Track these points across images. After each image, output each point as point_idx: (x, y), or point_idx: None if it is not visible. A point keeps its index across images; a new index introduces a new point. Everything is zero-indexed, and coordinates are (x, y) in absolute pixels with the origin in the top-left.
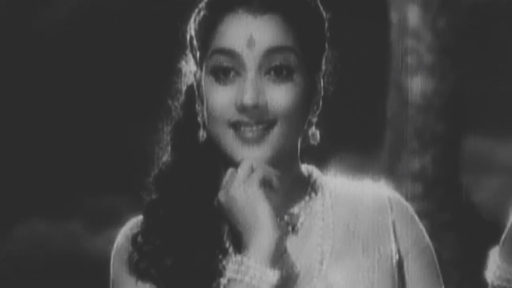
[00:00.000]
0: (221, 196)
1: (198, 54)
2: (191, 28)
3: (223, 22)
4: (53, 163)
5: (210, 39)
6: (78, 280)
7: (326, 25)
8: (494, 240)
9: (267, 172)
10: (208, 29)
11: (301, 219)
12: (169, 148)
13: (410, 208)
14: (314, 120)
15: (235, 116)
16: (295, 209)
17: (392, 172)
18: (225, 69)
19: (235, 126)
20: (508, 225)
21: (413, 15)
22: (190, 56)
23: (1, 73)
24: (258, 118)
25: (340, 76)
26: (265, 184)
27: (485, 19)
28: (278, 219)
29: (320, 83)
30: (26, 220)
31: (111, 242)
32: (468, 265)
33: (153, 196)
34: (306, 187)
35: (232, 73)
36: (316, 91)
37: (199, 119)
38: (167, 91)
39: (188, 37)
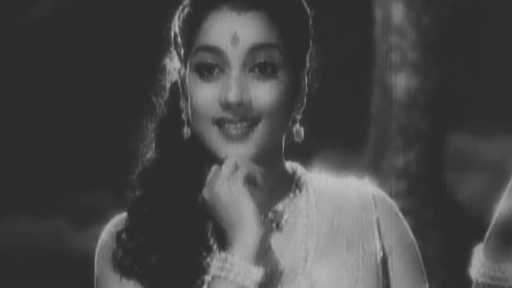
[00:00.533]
0: (205, 193)
1: (182, 51)
2: (175, 25)
3: (207, 19)
4: (37, 160)
5: (194, 36)
6: (62, 277)
7: (310, 22)
8: (478, 238)
9: (251, 169)
10: (192, 26)
11: (285, 216)
12: (153, 145)
13: (394, 205)
14: (298, 117)
15: (219, 113)
16: (279, 206)
17: (376, 169)
18: (209, 66)
19: (219, 123)
20: (493, 222)
21: (397, 12)
22: (174, 53)
23: None
24: (242, 115)
25: (324, 73)
26: (249, 181)
27: (469, 16)
28: (262, 216)
29: (304, 80)
30: (10, 217)
31: (95, 239)
32: (452, 262)
33: (137, 193)
34: (290, 184)
35: (216, 70)
36: (301, 88)
37: (183, 116)
38: (152, 88)
39: (172, 34)
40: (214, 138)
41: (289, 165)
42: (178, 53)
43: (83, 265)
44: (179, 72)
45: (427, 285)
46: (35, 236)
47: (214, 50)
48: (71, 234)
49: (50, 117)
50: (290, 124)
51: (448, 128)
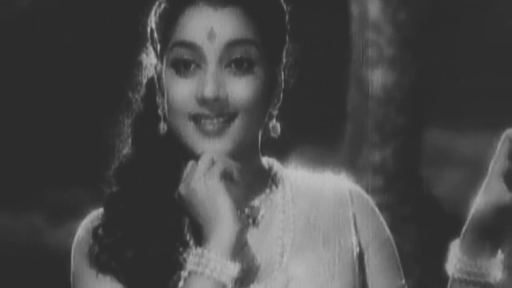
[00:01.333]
0: (182, 188)
1: (158, 47)
2: (152, 21)
3: (184, 15)
4: (13, 155)
5: (170, 32)
6: (38, 272)
7: (287, 17)
8: (455, 233)
9: (227, 165)
10: (169, 21)
11: (261, 212)
12: (130, 140)
13: (370, 201)
14: (275, 112)
15: (195, 108)
16: (256, 202)
17: (352, 165)
18: (185, 61)
19: (196, 118)
20: (469, 217)
21: (374, 8)
22: (150, 48)
23: None
24: (218, 110)
25: (300, 69)
26: (226, 176)
27: (445, 12)
28: (239, 212)
29: (280, 75)
30: None
31: (72, 235)
32: (428, 258)
33: (114, 189)
34: (266, 179)
35: (192, 66)
36: (277, 84)
37: (159, 111)
38: (128, 84)
39: (148, 30)
40: (190, 133)
41: (266, 160)
42: (155, 49)
43: (60, 260)
44: (155, 68)
45: (403, 280)
46: (11, 232)
47: (191, 46)
48: (47, 230)
49: (26, 113)
50: (266, 119)
51: (425, 124)
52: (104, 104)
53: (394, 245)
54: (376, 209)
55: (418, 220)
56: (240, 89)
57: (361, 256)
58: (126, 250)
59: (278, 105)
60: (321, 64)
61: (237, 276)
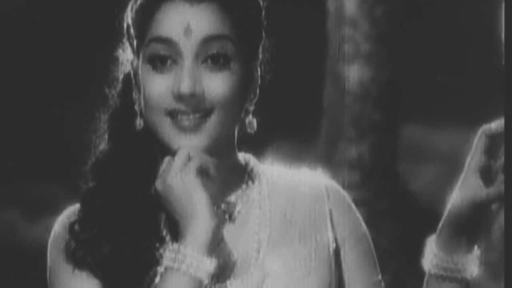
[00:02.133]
0: (158, 184)
1: (135, 43)
2: (128, 17)
3: (160, 11)
4: None
5: (147, 28)
6: (14, 268)
7: (263, 13)
8: (431, 229)
9: (204, 161)
10: (145, 17)
11: (238, 208)
12: (106, 136)
13: (347, 197)
14: (251, 108)
15: (172, 104)
16: (232, 198)
17: (329, 160)
18: (162, 57)
19: (172, 114)
20: (445, 213)
21: (350, 4)
22: (127, 44)
23: None
24: (195, 106)
25: (277, 65)
26: (202, 172)
27: (421, 8)
28: (215, 208)
29: (257, 71)
30: None
31: (48, 230)
32: (405, 253)
33: (90, 185)
34: (243, 175)
35: (169, 62)
36: (253, 80)
37: (136, 107)
38: (104, 80)
39: (125, 26)
40: (167, 129)
41: (242, 156)
42: (131, 44)
43: (36, 256)
44: (131, 63)
45: (379, 276)
46: None
47: (167, 41)
48: (23, 226)
49: (2, 108)
50: (242, 115)
51: (401, 119)
52: (80, 100)
53: (371, 241)
54: (353, 205)
55: (395, 215)
56: (216, 84)
57: (337, 251)
58: (103, 246)
59: (255, 100)
60: (297, 59)
61: (213, 272)
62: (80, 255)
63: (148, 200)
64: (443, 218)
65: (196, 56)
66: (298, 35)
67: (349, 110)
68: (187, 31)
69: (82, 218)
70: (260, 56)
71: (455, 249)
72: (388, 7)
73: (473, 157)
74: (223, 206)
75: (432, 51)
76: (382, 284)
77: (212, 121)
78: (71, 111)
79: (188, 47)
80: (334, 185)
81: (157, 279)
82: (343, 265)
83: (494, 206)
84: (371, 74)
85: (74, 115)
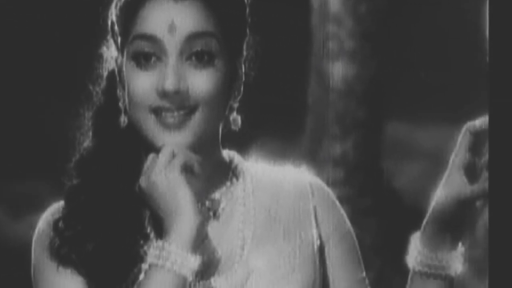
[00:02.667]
0: (143, 181)
1: (119, 40)
2: (112, 14)
3: (144, 8)
4: None
5: (131, 25)
6: None
7: (247, 10)
8: (415, 226)
9: (188, 158)
10: (129, 14)
11: (222, 205)
12: (90, 133)
13: (331, 194)
14: (235, 105)
15: (156, 101)
16: (216, 195)
17: (313, 157)
18: (146, 54)
19: (156, 111)
20: (429, 210)
21: (334, 1)
22: (111, 41)
23: None
24: (179, 103)
25: (261, 62)
26: (186, 169)
27: (405, 5)
28: (199, 205)
29: (241, 68)
30: None
31: (32, 227)
32: (389, 250)
33: (74, 182)
34: (227, 172)
35: (153, 59)
36: (237, 77)
37: (120, 104)
38: (89, 77)
39: (109, 23)
40: (151, 126)
41: (226, 153)
42: (115, 42)
43: (20, 253)
44: (116, 61)
45: (364, 273)
46: None
47: (151, 39)
48: (7, 223)
49: None
50: (227, 112)
51: (385, 116)
52: (65, 97)
53: (355, 238)
54: (337, 202)
55: (379, 212)
56: (200, 82)
57: (321, 248)
58: (87, 243)
59: (239, 98)
60: (281, 56)
61: (197, 269)
62: (64, 252)
63: (132, 197)
64: (428, 215)
65: (181, 53)
66: (282, 32)
67: (334, 107)
68: (171, 28)
69: (66, 215)
70: (245, 53)
71: (439, 246)
72: (372, 4)
73: (458, 154)
74: (207, 203)
75: (416, 48)
76: (366, 281)
77: (197, 118)
78: (55, 108)
79: (172, 44)
80: (318, 182)
81: (141, 276)
82: (328, 262)
83: (478, 203)
84: (355, 71)
85: (58, 112)
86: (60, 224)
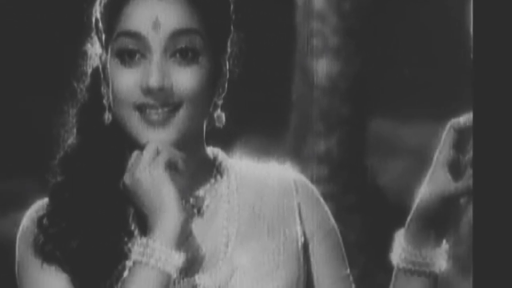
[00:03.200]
0: (127, 178)
1: (103, 37)
2: (97, 11)
3: (129, 5)
4: None
5: (115, 22)
6: None
7: (232, 7)
8: (399, 223)
9: (172, 155)
10: (114, 11)
11: (206, 202)
12: (75, 130)
13: (315, 191)
14: (220, 102)
15: (140, 98)
16: (201, 192)
17: (297, 154)
18: (130, 51)
19: (141, 108)
20: (414, 207)
21: None
22: (95, 38)
23: None
24: (163, 100)
25: (245, 59)
26: (171, 166)
27: (389, 2)
28: (184, 202)
29: (225, 65)
30: None
31: (17, 224)
32: (373, 247)
33: (59, 179)
34: (211, 169)
35: (137, 56)
36: (222, 74)
37: (104, 101)
38: (73, 74)
39: (93, 20)
40: (135, 123)
41: (210, 150)
42: (100, 39)
43: (4, 250)
44: (100, 58)
45: (348, 270)
46: None
47: (135, 36)
48: None
49: None
50: (211, 109)
51: (369, 113)
52: (49, 94)
53: (339, 235)
54: (321, 199)
55: (363, 209)
56: (185, 79)
57: (306, 246)
58: (71, 240)
59: (223, 95)
60: (266, 53)
61: (182, 266)
62: (48, 249)
63: (117, 194)
64: (412, 212)
65: (165, 50)
66: (267, 29)
67: (318, 104)
68: (156, 25)
69: (51, 212)
70: (229, 50)
71: (424, 243)
72: (356, 1)
73: (442, 151)
74: (191, 200)
75: (401, 45)
76: (351, 278)
77: (181, 115)
78: (39, 105)
79: (156, 41)
80: (302, 179)
81: (126, 273)
82: (312, 259)
83: (462, 200)
84: (340, 68)
85: (43, 109)
86: (45, 221)
